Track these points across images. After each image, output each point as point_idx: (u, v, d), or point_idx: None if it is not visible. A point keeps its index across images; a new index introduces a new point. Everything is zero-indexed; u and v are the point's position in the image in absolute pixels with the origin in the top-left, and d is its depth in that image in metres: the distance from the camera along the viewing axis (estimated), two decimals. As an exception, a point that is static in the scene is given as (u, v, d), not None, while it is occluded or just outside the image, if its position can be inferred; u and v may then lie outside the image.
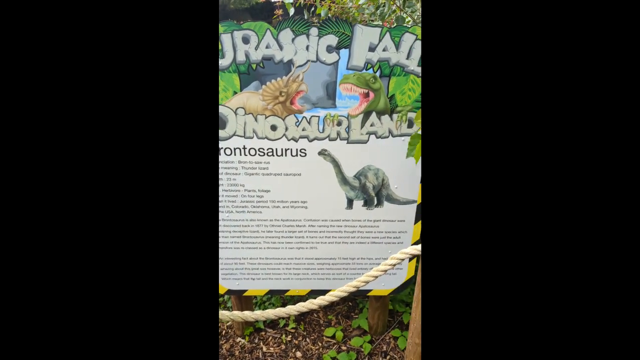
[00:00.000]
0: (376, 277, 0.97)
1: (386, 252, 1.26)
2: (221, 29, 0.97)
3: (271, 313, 1.02)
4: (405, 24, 1.24)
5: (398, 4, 1.44)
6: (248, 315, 1.04)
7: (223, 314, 1.01)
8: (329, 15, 1.83)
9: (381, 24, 1.57)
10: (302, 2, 1.90)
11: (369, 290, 1.34)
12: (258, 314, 1.03)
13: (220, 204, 1.18)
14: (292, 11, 1.87)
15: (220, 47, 0.99)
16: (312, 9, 1.90)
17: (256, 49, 1.00)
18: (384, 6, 1.52)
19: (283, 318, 1.56)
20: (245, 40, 0.99)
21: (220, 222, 1.21)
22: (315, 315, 1.61)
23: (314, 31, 0.98)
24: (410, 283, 1.33)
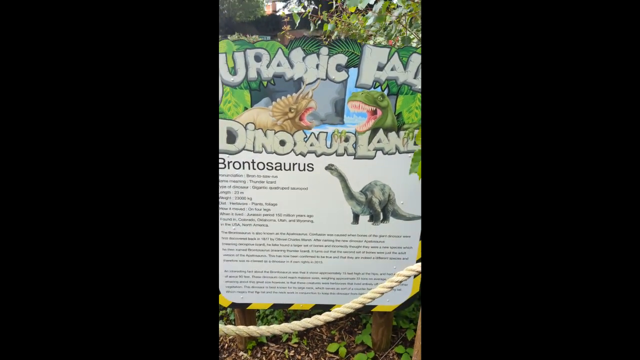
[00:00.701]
0: (382, 293, 0.97)
1: (391, 268, 1.26)
2: (234, 47, 1.00)
3: (276, 328, 1.02)
4: (411, 44, 1.27)
5: (404, 24, 1.48)
6: (253, 330, 1.03)
7: (228, 328, 1.00)
8: (335, 31, 1.87)
9: (386, 41, 1.60)
10: (308, 15, 1.95)
11: (374, 306, 1.33)
12: (263, 329, 1.03)
13: (227, 217, 1.19)
14: (298, 21, 1.92)
15: (232, 64, 1.02)
16: (319, 22, 1.95)
17: (267, 66, 1.02)
18: (390, 25, 1.56)
19: (287, 333, 1.55)
20: (257, 58, 1.01)
21: (227, 235, 1.22)
22: (318, 330, 1.60)
23: (324, 50, 1.01)
24: (415, 299, 1.32)
